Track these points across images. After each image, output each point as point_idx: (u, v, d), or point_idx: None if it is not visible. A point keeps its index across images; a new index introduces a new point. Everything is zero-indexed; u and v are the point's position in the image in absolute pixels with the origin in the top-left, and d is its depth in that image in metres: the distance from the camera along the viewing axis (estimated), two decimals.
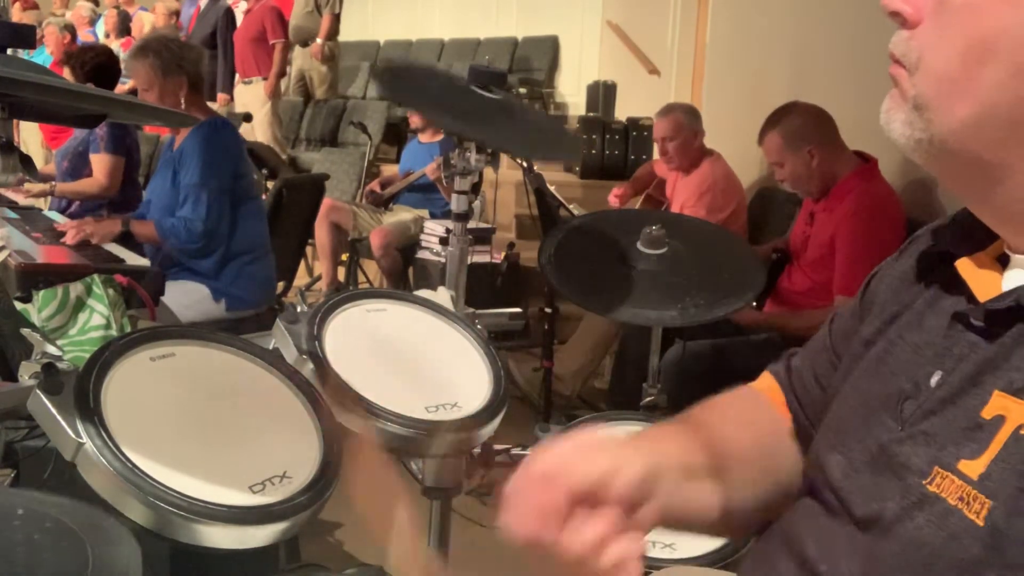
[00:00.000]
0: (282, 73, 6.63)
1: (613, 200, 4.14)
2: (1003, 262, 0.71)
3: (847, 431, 0.75)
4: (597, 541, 0.67)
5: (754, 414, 0.92)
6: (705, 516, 0.82)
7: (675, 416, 0.89)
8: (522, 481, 0.71)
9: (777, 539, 0.79)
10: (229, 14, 6.85)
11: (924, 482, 0.66)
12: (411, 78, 1.76)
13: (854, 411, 0.76)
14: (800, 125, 2.79)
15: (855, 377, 0.79)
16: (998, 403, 0.64)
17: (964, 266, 0.72)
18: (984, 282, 0.70)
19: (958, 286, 0.72)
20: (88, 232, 2.77)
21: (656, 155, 4.12)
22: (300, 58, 7.32)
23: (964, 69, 0.64)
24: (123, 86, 5.23)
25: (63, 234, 2.80)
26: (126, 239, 2.86)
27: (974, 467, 0.63)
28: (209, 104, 3.59)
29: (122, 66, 4.36)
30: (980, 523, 0.61)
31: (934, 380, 0.70)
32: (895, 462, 0.69)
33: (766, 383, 0.95)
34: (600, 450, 0.73)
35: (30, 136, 6.57)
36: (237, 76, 6.66)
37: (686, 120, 3.63)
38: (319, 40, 6.98)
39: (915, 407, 0.70)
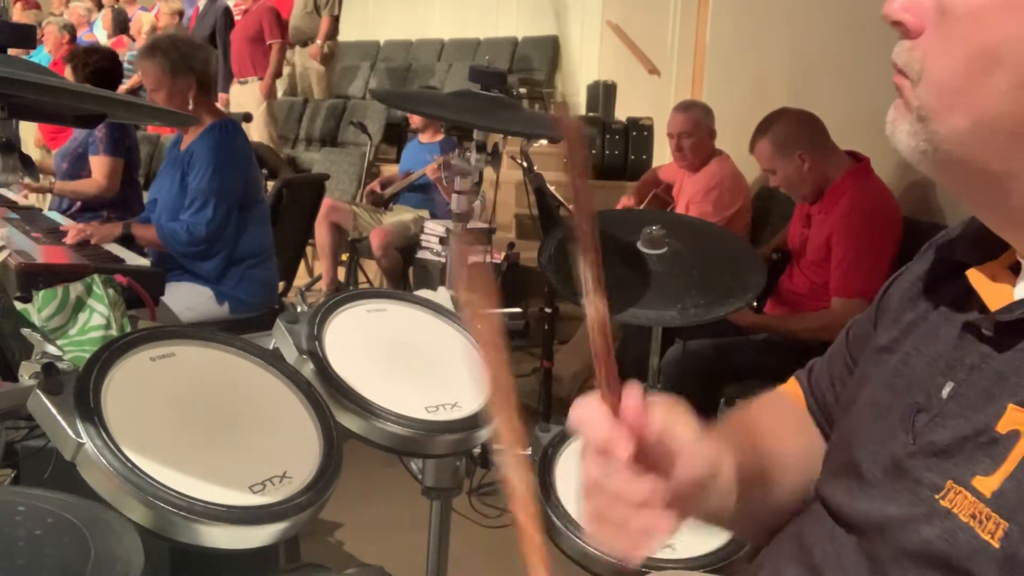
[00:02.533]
0: (278, 73, 6.61)
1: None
2: (1015, 271, 0.70)
3: (861, 444, 0.74)
4: (645, 495, 0.66)
5: (795, 419, 0.92)
6: (727, 518, 0.81)
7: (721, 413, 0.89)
8: (620, 400, 0.70)
9: (788, 543, 0.79)
10: (228, 14, 6.84)
11: (936, 496, 0.64)
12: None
13: (869, 424, 0.75)
14: (789, 131, 2.81)
15: (871, 389, 0.78)
16: (1013, 417, 0.63)
17: (975, 276, 0.70)
18: (995, 292, 0.69)
19: (970, 296, 0.71)
20: (88, 233, 2.78)
21: (655, 161, 4.10)
22: (299, 58, 7.32)
23: (967, 79, 0.62)
24: (122, 86, 5.23)
25: (63, 234, 2.80)
26: (127, 241, 2.85)
27: (988, 484, 0.62)
28: None
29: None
30: (996, 545, 0.60)
31: (945, 391, 0.68)
32: (908, 477, 0.68)
33: (792, 388, 0.95)
34: (705, 435, 0.71)
35: (26, 135, 6.56)
36: (233, 76, 6.66)
37: (704, 119, 3.64)
38: (318, 41, 6.99)
39: (927, 419, 0.69)
